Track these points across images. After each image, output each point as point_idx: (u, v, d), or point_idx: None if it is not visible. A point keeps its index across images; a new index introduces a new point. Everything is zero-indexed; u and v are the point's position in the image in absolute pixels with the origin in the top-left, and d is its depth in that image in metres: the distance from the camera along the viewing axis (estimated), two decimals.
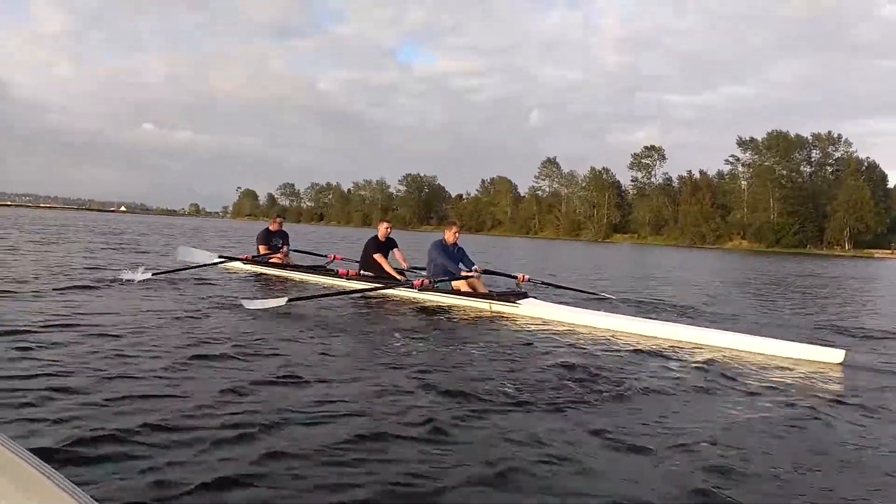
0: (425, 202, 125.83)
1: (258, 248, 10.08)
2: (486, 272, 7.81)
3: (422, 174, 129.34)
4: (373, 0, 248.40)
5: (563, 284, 9.06)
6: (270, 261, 9.76)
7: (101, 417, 2.74)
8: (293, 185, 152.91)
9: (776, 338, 5.33)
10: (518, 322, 6.16)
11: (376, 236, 8.45)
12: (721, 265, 27.59)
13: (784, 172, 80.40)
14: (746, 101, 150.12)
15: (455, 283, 7.21)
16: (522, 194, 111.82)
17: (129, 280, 7.60)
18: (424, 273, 7.68)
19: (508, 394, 3.50)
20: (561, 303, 7.05)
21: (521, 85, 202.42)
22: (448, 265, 7.25)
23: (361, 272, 8.21)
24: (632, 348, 5.03)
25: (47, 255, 11.49)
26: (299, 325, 5.44)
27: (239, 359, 4.00)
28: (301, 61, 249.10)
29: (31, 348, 3.91)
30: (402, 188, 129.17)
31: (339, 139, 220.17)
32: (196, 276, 8.62)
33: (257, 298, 6.32)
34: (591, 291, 8.89)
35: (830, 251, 72.28)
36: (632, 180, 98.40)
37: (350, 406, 3.13)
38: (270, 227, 10.22)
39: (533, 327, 5.88)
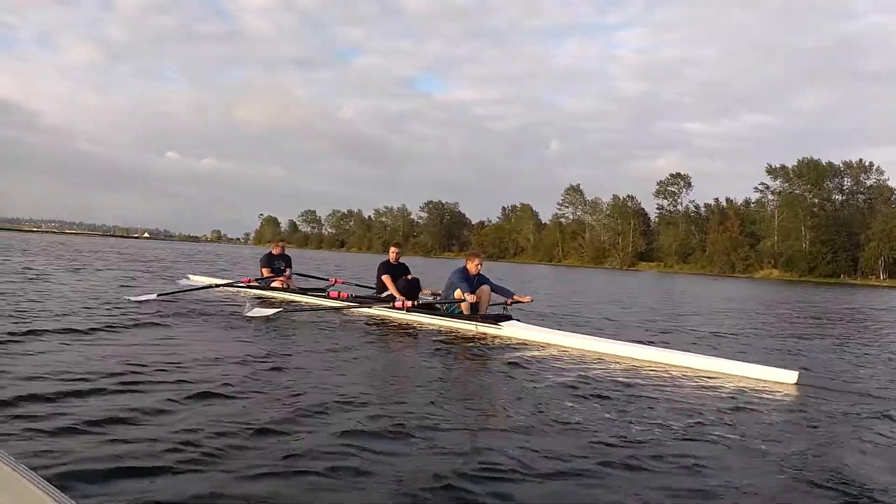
0: (447, 229, 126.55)
1: (261, 272, 10.35)
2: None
3: (443, 201, 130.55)
4: (392, 32, 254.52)
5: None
6: (273, 284, 10.06)
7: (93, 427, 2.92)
8: (314, 211, 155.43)
9: (736, 359, 5.65)
10: (499, 343, 6.49)
11: (388, 261, 8.81)
12: (755, 294, 26.95)
13: (815, 200, 79.36)
14: (768, 130, 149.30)
15: (462, 305, 7.36)
16: (544, 221, 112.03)
17: (135, 301, 7.99)
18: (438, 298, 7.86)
19: (470, 410, 3.75)
20: (542, 325, 7.33)
21: (540, 113, 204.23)
22: (463, 289, 7.25)
23: (354, 295, 8.58)
24: (600, 367, 5.37)
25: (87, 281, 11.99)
26: (284, 343, 5.75)
27: (216, 369, 4.30)
28: (322, 90, 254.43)
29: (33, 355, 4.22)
30: (424, 215, 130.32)
31: (359, 167, 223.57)
32: (197, 299, 9.01)
33: (254, 308, 6.96)
34: None
35: (865, 281, 70.67)
36: (657, 208, 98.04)
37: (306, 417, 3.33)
38: (273, 251, 10.52)
39: (512, 348, 6.21)
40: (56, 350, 4.68)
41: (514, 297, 7.57)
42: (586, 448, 3.09)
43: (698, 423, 3.72)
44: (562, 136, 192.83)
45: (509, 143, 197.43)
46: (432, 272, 26.03)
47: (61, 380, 3.72)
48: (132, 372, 4.10)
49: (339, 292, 8.81)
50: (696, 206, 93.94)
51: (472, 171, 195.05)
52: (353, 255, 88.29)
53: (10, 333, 5.11)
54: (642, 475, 2.76)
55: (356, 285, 9.05)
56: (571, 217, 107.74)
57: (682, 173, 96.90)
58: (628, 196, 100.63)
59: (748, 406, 4.24)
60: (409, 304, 7.49)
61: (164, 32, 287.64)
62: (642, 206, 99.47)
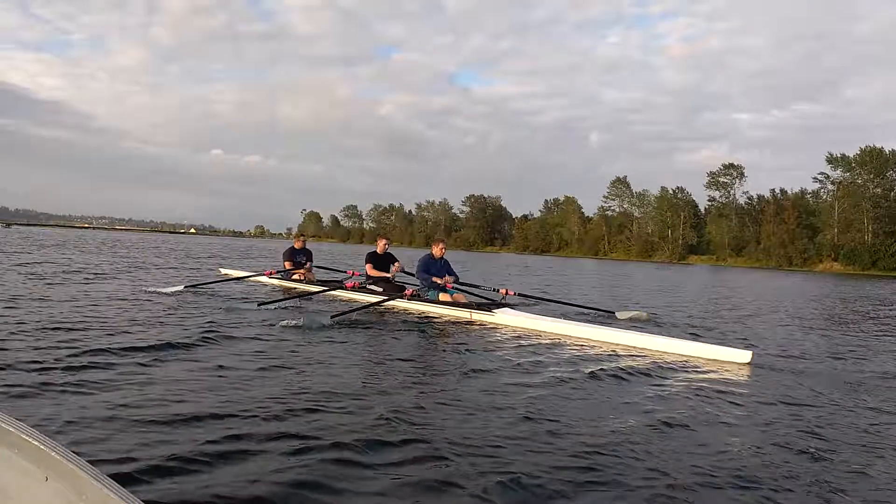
0: (489, 223, 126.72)
1: (284, 265, 11.16)
2: (470, 285, 9.24)
3: (485, 195, 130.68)
4: (433, 28, 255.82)
5: (550, 298, 10.02)
6: (294, 276, 10.86)
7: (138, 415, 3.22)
8: (356, 206, 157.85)
9: (695, 340, 6.42)
10: (493, 329, 7.09)
11: (375, 251, 9.87)
12: (818, 290, 25.83)
13: (878, 191, 76.31)
14: (820, 120, 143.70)
15: (442, 295, 8.38)
16: (588, 215, 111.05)
17: (164, 293, 8.82)
18: (415, 282, 8.89)
19: (465, 390, 4.21)
20: (535, 313, 7.82)
21: (582, 106, 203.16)
22: (432, 277, 8.50)
23: (367, 284, 9.47)
24: (580, 351, 5.96)
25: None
26: (298, 333, 6.33)
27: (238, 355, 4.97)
28: (363, 87, 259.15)
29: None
30: (466, 209, 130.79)
31: (399, 162, 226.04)
32: (222, 290, 9.84)
33: (268, 302, 7.80)
34: (585, 305, 9.67)
35: None
36: (709, 200, 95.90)
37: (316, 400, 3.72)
38: (295, 245, 11.31)
39: (504, 334, 6.81)
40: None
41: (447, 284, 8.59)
42: (556, 428, 3.43)
43: (662, 399, 4.22)
44: (604, 129, 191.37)
45: (550, 136, 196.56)
46: (474, 267, 26.26)
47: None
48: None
49: (354, 283, 9.65)
50: (751, 198, 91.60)
51: (512, 165, 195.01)
52: (393, 249, 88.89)
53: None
54: (600, 453, 3.05)
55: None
56: (618, 210, 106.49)
57: (735, 163, 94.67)
58: (678, 188, 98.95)
59: (716, 382, 4.84)
60: (411, 291, 8.43)
61: (210, 33, 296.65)
62: (693, 197, 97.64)
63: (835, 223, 78.02)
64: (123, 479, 2.33)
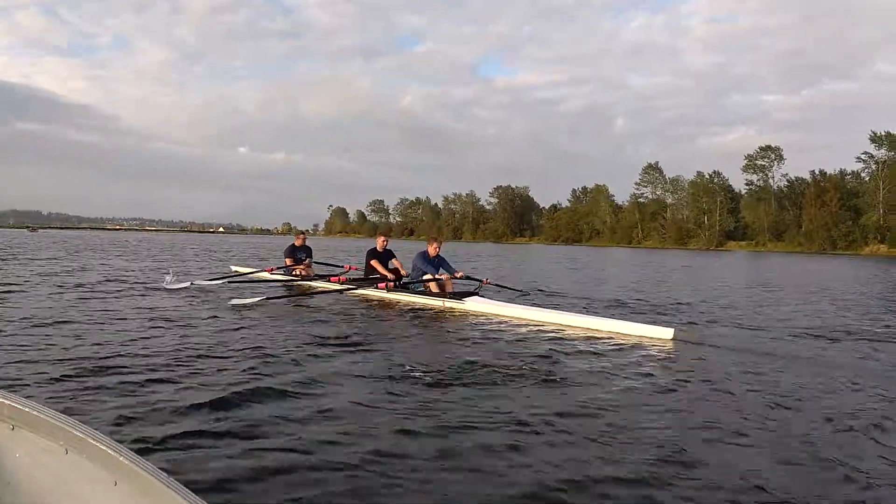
0: (518, 214, 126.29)
1: (285, 261, 11.60)
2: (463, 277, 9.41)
3: (513, 185, 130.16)
4: (454, 18, 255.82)
5: (510, 286, 10.50)
6: (294, 272, 11.25)
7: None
8: (382, 200, 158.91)
9: (624, 319, 7.15)
10: (462, 316, 7.73)
11: (375, 248, 10.17)
12: (867, 273, 25.27)
13: None
14: (852, 98, 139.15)
15: (431, 285, 8.86)
16: (618, 202, 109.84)
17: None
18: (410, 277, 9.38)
19: (429, 372, 4.55)
20: (504, 301, 8.50)
21: (607, 93, 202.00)
22: (422, 272, 8.99)
23: (350, 277, 10.11)
24: (536, 331, 6.61)
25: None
26: (280, 320, 6.91)
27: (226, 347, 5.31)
28: (385, 79, 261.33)
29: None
30: (494, 200, 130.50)
31: (422, 154, 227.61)
32: (227, 286, 10.31)
33: (241, 298, 8.14)
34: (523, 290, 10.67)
35: None
36: (746, 184, 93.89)
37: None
38: (296, 243, 11.70)
39: (472, 320, 7.42)
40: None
41: (485, 280, 9.37)
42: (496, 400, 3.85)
43: (597, 373, 4.73)
44: (629, 115, 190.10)
45: (574, 124, 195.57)
46: (504, 262, 26.21)
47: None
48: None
49: (339, 276, 10.29)
50: (791, 180, 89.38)
51: (536, 154, 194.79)
52: (417, 243, 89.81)
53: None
54: (529, 420, 3.43)
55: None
56: (650, 196, 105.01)
57: (773, 145, 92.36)
58: (714, 172, 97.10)
59: (643, 356, 5.49)
60: (390, 284, 9.08)
61: (232, 31, 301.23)
62: (729, 182, 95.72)
63: (879, 204, 75.72)
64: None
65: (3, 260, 17.10)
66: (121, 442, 1.33)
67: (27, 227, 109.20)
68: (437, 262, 9.13)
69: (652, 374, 4.74)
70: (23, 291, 9.01)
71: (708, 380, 4.58)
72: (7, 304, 7.54)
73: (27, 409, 1.43)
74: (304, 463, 2.74)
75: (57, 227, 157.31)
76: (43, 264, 15.56)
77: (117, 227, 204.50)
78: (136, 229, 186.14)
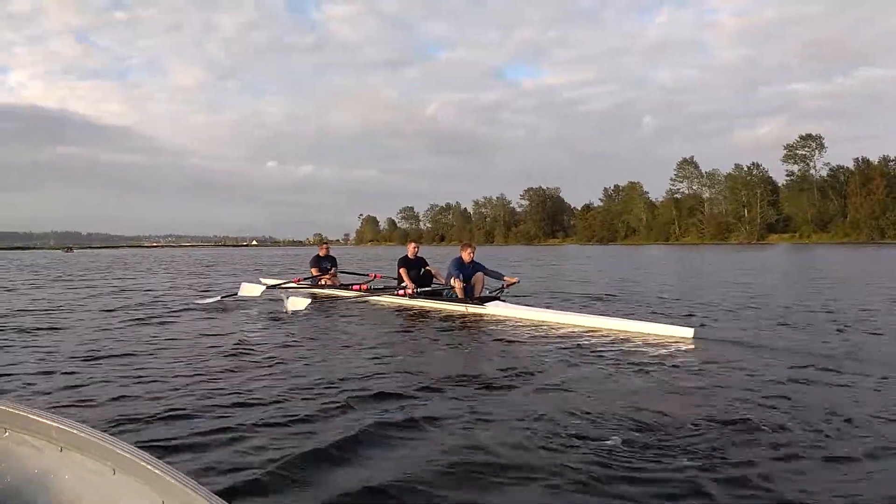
0: (550, 215, 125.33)
1: (311, 271, 11.61)
2: (492, 271, 9.17)
3: (544, 187, 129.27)
4: (477, 24, 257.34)
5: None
6: (320, 282, 11.25)
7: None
8: (412, 207, 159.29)
9: (644, 320, 7.19)
10: (485, 321, 7.76)
11: (406, 255, 9.90)
12: None
13: None
14: (886, 84, 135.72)
15: (457, 289, 8.67)
16: (653, 199, 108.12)
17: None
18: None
19: (450, 378, 4.51)
20: (525, 304, 8.53)
21: (634, 90, 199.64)
22: (456, 276, 8.71)
23: (373, 287, 10.16)
24: (560, 335, 6.52)
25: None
26: (312, 327, 7.26)
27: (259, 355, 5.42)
28: (411, 89, 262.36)
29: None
30: (525, 202, 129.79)
31: (451, 160, 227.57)
32: (255, 298, 10.22)
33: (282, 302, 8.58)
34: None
35: None
36: (787, 174, 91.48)
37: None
38: (320, 253, 11.72)
39: (495, 324, 7.43)
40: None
41: (505, 278, 8.82)
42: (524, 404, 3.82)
43: (621, 374, 4.69)
44: (657, 112, 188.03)
45: (601, 123, 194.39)
46: (538, 267, 25.50)
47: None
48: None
49: (363, 285, 10.29)
50: (834, 169, 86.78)
51: (564, 156, 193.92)
52: (447, 248, 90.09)
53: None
54: (559, 419, 3.45)
55: (394, 279, 9.87)
56: (686, 192, 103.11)
57: (814, 134, 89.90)
58: (753, 163, 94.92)
59: (661, 356, 5.41)
60: (410, 291, 9.04)
61: (261, 48, 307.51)
62: (769, 173, 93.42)
63: None
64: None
65: (57, 280, 17.37)
66: (170, 463, 1.34)
67: (64, 247, 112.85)
68: (472, 268, 8.87)
69: (677, 376, 4.63)
70: (71, 312, 9.06)
71: (735, 383, 4.38)
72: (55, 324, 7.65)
73: (74, 431, 1.45)
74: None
75: (97, 247, 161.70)
76: (98, 285, 15.71)
77: (154, 244, 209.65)
78: (173, 245, 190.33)
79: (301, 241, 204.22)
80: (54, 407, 3.67)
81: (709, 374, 4.63)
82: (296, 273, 16.41)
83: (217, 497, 1.23)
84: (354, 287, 10.22)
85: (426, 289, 9.31)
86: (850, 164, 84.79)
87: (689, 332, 6.30)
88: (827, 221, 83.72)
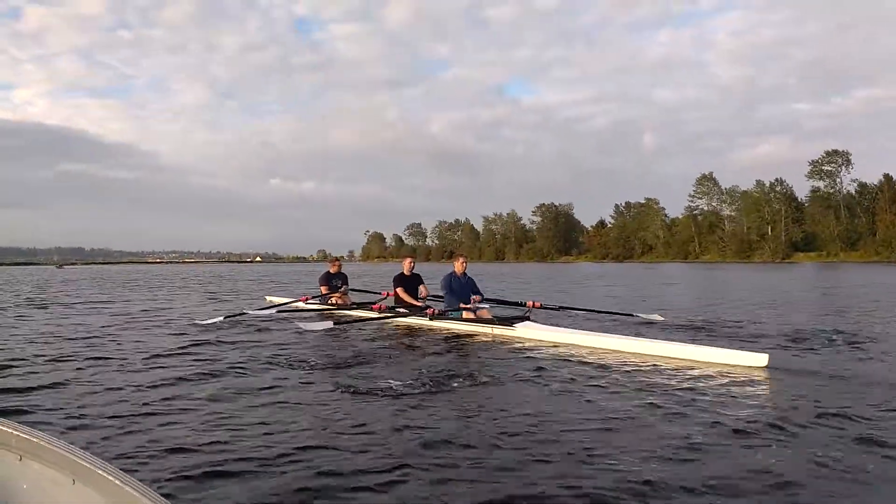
0: (562, 232, 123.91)
1: (321, 289, 11.08)
2: (496, 301, 9.44)
3: (556, 203, 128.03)
4: (478, 44, 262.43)
5: (571, 306, 10.03)
6: (330, 300, 10.72)
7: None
8: (420, 224, 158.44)
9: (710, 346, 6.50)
10: (514, 344, 7.29)
11: (402, 272, 9.85)
12: None
13: None
14: (886, 103, 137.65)
15: (465, 313, 8.48)
16: (669, 216, 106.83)
17: (202, 323, 9.25)
18: (442, 302, 9.04)
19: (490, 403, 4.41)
20: (557, 325, 8.00)
21: (634, 109, 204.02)
22: (456, 296, 8.66)
23: (392, 305, 9.79)
24: (599, 360, 6.12)
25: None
26: (330, 350, 6.88)
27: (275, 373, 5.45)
28: (413, 107, 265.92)
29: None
30: (537, 219, 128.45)
31: (452, 177, 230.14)
32: (260, 318, 9.81)
33: (308, 321, 8.34)
34: (620, 312, 9.77)
35: None
36: (812, 191, 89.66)
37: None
38: (331, 270, 11.30)
39: (524, 347, 7.02)
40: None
41: (528, 304, 9.04)
42: (572, 435, 3.59)
43: (683, 406, 4.27)
44: (657, 131, 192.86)
45: (602, 141, 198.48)
46: (553, 284, 24.49)
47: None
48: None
49: (379, 304, 9.79)
50: (863, 185, 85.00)
51: (565, 171, 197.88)
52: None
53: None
54: (615, 456, 3.21)
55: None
56: (706, 208, 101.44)
57: (840, 150, 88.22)
58: (777, 179, 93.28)
59: (735, 387, 4.96)
60: (432, 311, 8.61)
61: (263, 67, 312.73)
62: (793, 190, 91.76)
63: None
64: None
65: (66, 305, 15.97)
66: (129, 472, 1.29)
67: (56, 264, 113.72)
68: (467, 283, 8.81)
69: (738, 409, 4.25)
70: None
71: (822, 415, 3.97)
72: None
73: (35, 440, 1.42)
74: None
75: (100, 263, 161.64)
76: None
77: (157, 260, 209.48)
78: (176, 262, 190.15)
79: (304, 258, 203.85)
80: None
81: (798, 416, 4.00)
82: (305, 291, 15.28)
83: (123, 472, 1.23)
84: (374, 307, 9.74)
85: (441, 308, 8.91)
86: (874, 181, 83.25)
87: (762, 360, 5.67)
88: (856, 240, 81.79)
